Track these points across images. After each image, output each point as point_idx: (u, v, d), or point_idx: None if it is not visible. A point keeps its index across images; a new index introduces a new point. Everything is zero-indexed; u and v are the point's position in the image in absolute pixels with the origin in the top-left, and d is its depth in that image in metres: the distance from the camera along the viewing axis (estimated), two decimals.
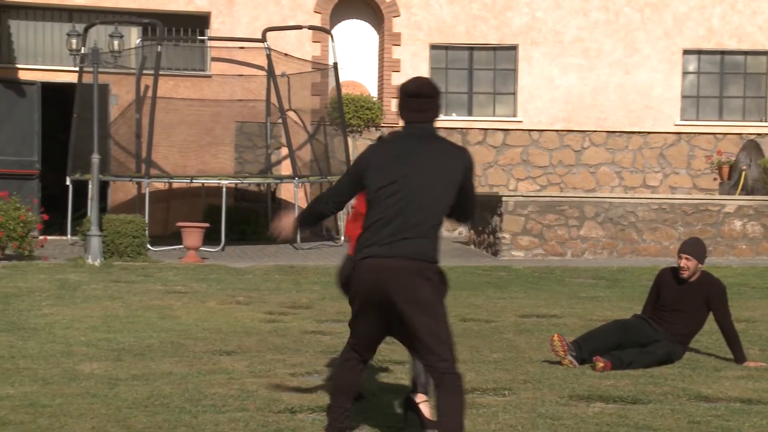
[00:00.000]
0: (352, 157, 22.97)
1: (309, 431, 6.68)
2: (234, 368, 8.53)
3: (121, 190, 22.21)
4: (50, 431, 6.57)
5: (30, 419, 6.88)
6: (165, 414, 6.99)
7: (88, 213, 17.45)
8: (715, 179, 24.35)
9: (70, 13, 22.63)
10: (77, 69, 21.06)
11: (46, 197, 21.50)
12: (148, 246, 17.82)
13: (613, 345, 9.03)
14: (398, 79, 23.79)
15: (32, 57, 22.65)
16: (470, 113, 24.35)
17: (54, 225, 20.62)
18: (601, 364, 8.70)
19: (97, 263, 16.17)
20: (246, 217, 21.74)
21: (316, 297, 13.27)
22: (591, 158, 24.52)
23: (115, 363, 8.82)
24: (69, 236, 20.23)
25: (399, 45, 23.85)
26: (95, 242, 16.47)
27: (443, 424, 5.58)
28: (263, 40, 21.83)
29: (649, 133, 24.53)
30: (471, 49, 24.22)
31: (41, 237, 17.71)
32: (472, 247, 20.48)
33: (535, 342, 10.09)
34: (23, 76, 22.26)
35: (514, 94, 24.34)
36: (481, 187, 22.78)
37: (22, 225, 16.50)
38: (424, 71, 23.78)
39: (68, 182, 20.47)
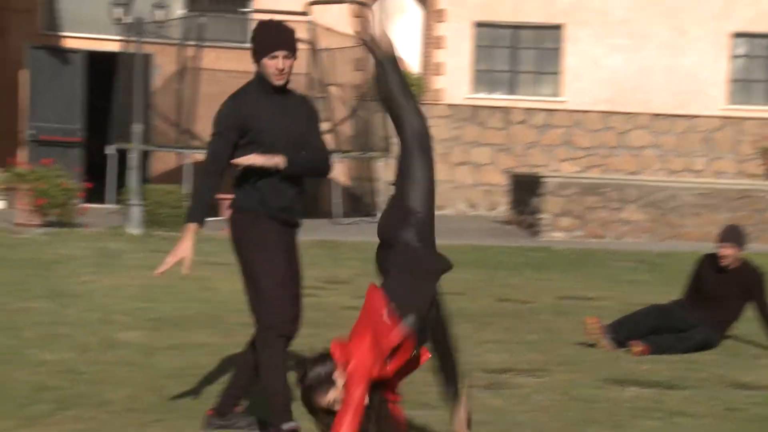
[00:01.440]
0: (392, 133, 22.98)
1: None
2: None
3: (163, 161, 22.29)
4: (87, 397, 6.67)
5: (68, 385, 7.01)
6: (200, 384, 7.07)
7: (130, 182, 17.55)
8: (762, 164, 24.16)
9: None
10: (121, 38, 21.14)
11: (90, 166, 21.64)
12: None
13: (650, 329, 9.02)
14: (441, 57, 23.79)
15: (78, 26, 22.76)
16: (513, 92, 24.25)
17: (97, 193, 20.79)
18: (639, 348, 8.70)
19: (137, 232, 16.29)
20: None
21: (354, 272, 13.29)
22: (635, 140, 24.36)
23: (153, 332, 8.94)
24: (110, 205, 20.36)
25: (443, 22, 23.78)
26: (136, 212, 16.60)
27: None
28: (306, 13, 21.82)
29: (694, 116, 24.30)
30: (515, 27, 24.10)
31: (83, 205, 17.81)
32: (511, 227, 20.43)
33: (572, 324, 10.06)
34: (69, 44, 22.40)
35: (558, 74, 24.21)
36: (522, 167, 22.74)
37: (64, 192, 16.63)
38: (467, 49, 23.76)
39: (108, 151, 20.59)
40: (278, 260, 5.77)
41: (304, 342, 8.72)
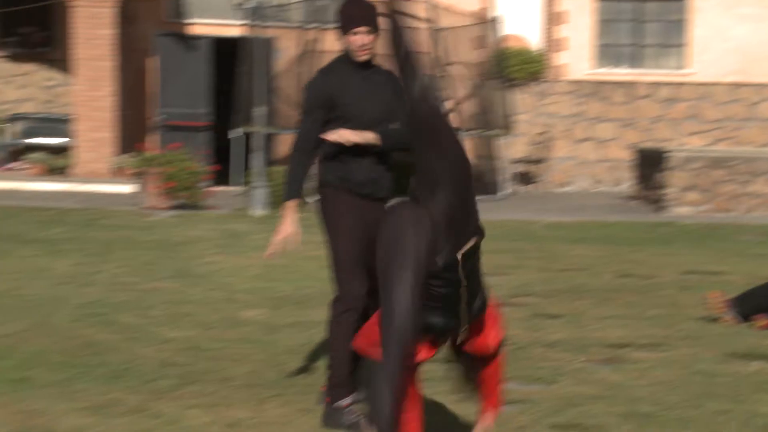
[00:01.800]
0: (514, 110, 22.91)
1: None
2: None
3: (286, 143, 22.49)
4: (209, 373, 6.83)
5: (191, 361, 7.18)
6: (318, 361, 7.17)
7: (254, 165, 17.79)
8: None
9: None
10: (244, 23, 21.41)
11: (216, 149, 21.99)
12: (306, 199, 18.05)
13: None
14: (564, 32, 23.60)
15: (202, 12, 23.13)
16: (637, 66, 23.94)
17: (223, 176, 21.17)
18: (763, 322, 8.54)
19: (261, 214, 16.53)
20: (406, 171, 21.81)
21: None
22: (765, 112, 23.85)
23: (274, 311, 9.07)
24: (235, 187, 20.67)
25: None
26: (259, 194, 16.85)
27: None
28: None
29: None
30: (639, 0, 23.78)
31: (209, 188, 18.12)
32: (636, 202, 20.21)
33: (696, 299, 9.88)
34: (193, 31, 22.77)
35: (683, 46, 23.80)
36: (647, 142, 22.48)
37: (191, 176, 16.95)
38: (588, 23, 23.52)
39: (233, 134, 20.90)
40: (355, 236, 5.82)
41: None
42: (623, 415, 6.05)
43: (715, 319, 8.79)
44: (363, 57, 5.83)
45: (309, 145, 5.85)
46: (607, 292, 10.34)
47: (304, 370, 6.98)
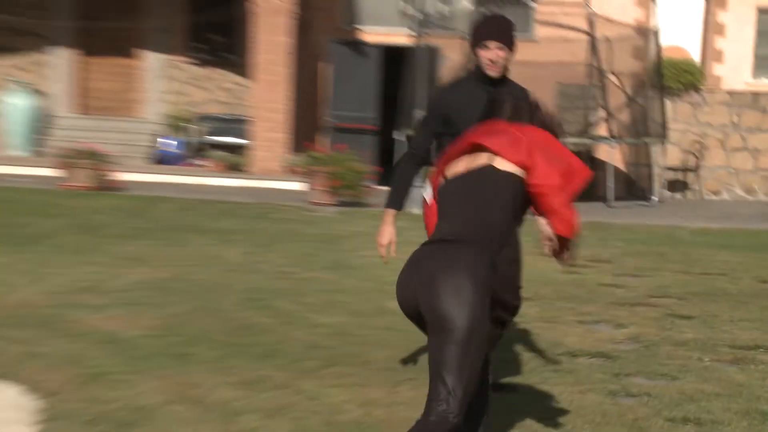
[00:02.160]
0: (670, 119, 22.62)
1: (583, 374, 6.84)
2: (525, 312, 8.73)
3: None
4: (352, 357, 7.01)
5: (338, 345, 7.36)
6: None
7: None
8: None
9: None
10: (410, 32, 21.65)
11: (381, 151, 22.24)
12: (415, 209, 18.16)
13: None
14: (723, 45, 23.20)
15: (371, 21, 23.43)
16: None
17: (387, 177, 21.34)
18: None
19: (417, 212, 16.63)
20: None
21: (618, 252, 13.20)
22: None
23: None
24: None
25: (725, 9, 23.16)
26: (417, 193, 16.95)
27: None
28: (587, 4, 21.77)
29: None
30: None
31: (372, 186, 18.35)
32: None
33: None
34: (364, 38, 23.10)
35: None
36: None
37: (355, 175, 17.20)
38: (750, 36, 23.06)
39: (396, 137, 21.12)
40: None
41: (556, 315, 8.87)
42: (741, 412, 6.04)
43: None
44: (491, 72, 5.44)
45: (418, 157, 5.60)
46: (743, 296, 10.20)
47: None
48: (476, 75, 5.52)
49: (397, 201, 5.63)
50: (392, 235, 5.59)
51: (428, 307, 4.21)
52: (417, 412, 5.69)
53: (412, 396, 6.08)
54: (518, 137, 4.50)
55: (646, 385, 6.62)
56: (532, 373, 6.80)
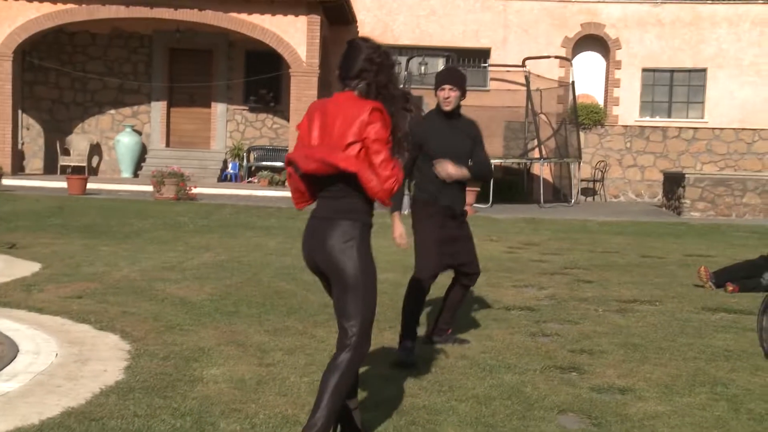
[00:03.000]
0: (583, 145, 22.60)
1: (513, 321, 6.83)
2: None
3: None
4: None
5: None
6: (425, 305, 7.27)
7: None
8: None
9: (400, 50, 23.26)
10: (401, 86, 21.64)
11: None
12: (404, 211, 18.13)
13: (743, 276, 8.64)
14: (618, 93, 23.18)
15: None
16: (669, 116, 23.36)
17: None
18: (731, 288, 8.36)
19: (405, 213, 16.59)
20: (509, 185, 21.78)
21: (545, 238, 13.21)
22: (759, 148, 23.03)
23: (403, 274, 8.90)
24: None
25: (619, 69, 23.15)
26: (405, 199, 16.91)
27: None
28: (524, 66, 21.75)
29: None
30: (672, 71, 23.19)
31: None
32: (663, 209, 19.74)
33: (690, 272, 9.73)
34: None
35: (702, 102, 23.16)
36: (674, 168, 21.92)
37: None
38: (637, 87, 23.05)
39: None
40: (434, 234, 5.54)
41: (497, 282, 8.76)
42: (620, 344, 6.02)
43: (701, 286, 8.62)
44: (446, 107, 5.48)
45: (406, 174, 5.46)
46: (630, 266, 10.21)
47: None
48: (437, 111, 5.56)
49: (398, 205, 5.51)
50: (401, 229, 5.44)
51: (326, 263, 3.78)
52: (392, 350, 5.75)
53: (391, 337, 6.06)
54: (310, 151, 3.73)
55: (556, 328, 6.61)
56: (479, 322, 6.80)
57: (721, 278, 8.59)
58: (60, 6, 20.13)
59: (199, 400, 4.46)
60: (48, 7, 20.13)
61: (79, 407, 4.27)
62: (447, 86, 5.46)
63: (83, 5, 20.11)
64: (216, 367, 5.12)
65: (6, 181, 18.72)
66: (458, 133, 5.56)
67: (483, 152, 5.71)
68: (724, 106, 22.96)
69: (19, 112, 21.66)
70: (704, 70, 23.03)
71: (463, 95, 5.50)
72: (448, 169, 5.42)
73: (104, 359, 5.22)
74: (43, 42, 22.25)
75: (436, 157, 5.44)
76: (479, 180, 5.77)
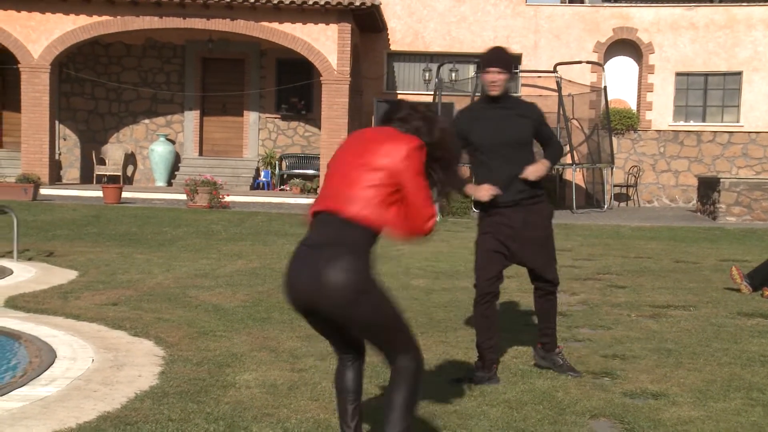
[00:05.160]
0: (615, 150, 22.45)
1: None
2: (507, 286, 8.65)
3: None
4: None
5: None
6: (456, 311, 7.29)
7: None
8: None
9: (430, 56, 23.29)
10: (431, 93, 21.69)
11: None
12: (473, 209, 18.17)
13: None
14: (651, 98, 23.01)
15: (405, 86, 23.50)
16: (704, 120, 23.13)
17: None
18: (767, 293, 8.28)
19: (437, 219, 16.62)
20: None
21: (577, 244, 13.10)
22: None
23: (433, 280, 9.15)
24: None
25: (652, 73, 22.96)
26: (436, 206, 16.93)
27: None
28: (556, 71, 21.67)
29: None
30: (706, 75, 22.96)
31: None
32: (698, 214, 19.53)
33: (726, 277, 9.62)
34: (400, 98, 23.12)
35: (737, 106, 22.90)
36: (709, 173, 21.68)
37: None
38: (670, 92, 22.86)
39: None
40: (487, 244, 5.07)
41: (529, 287, 8.66)
42: (653, 350, 5.99)
43: (736, 290, 8.53)
44: (493, 92, 4.96)
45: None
46: (663, 272, 10.13)
47: (444, 317, 7.10)
48: (483, 97, 5.10)
49: (466, 181, 4.88)
50: (474, 188, 4.97)
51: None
52: (427, 356, 5.68)
53: (423, 344, 5.89)
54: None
55: (589, 333, 6.58)
56: (511, 327, 6.78)
57: (756, 279, 8.47)
58: (95, 18, 20.42)
59: (231, 404, 4.50)
60: (84, 20, 20.43)
61: (114, 412, 4.33)
62: (493, 69, 4.92)
63: (118, 17, 20.38)
64: (248, 372, 5.16)
65: (44, 191, 18.99)
66: (510, 118, 4.98)
67: (550, 131, 5.20)
68: (760, 109, 22.69)
69: (56, 123, 21.99)
70: (739, 74, 22.78)
71: (511, 77, 5.01)
72: (481, 193, 4.94)
73: (139, 365, 5.29)
74: (79, 54, 22.57)
75: (483, 148, 5.01)
76: (556, 161, 5.26)
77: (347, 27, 20.20)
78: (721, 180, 18.02)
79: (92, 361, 5.32)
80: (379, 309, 3.22)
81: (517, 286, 8.57)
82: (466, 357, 5.72)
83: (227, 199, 17.74)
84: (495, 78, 4.92)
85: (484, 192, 4.97)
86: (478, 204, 5.12)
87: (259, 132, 23.31)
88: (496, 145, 4.98)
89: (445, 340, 6.21)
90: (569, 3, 23.82)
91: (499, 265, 5.10)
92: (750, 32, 22.67)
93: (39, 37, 20.45)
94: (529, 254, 5.13)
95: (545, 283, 5.26)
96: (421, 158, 3.29)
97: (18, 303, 7.17)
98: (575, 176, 20.69)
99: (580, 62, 22.29)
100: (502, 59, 4.96)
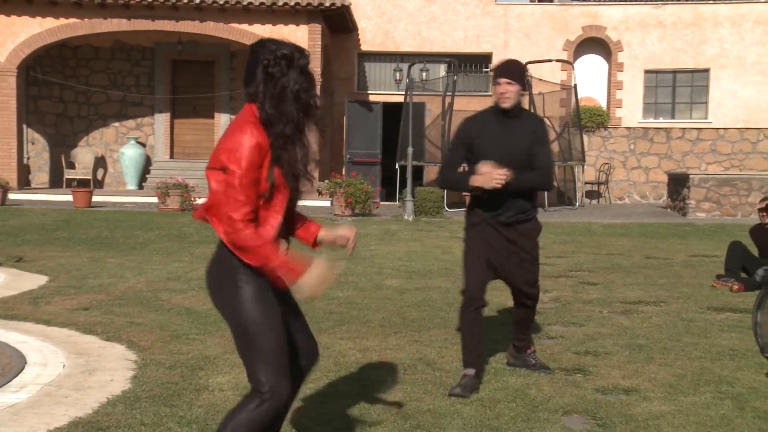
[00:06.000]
0: (586, 148, 22.61)
1: None
2: None
3: (432, 172, 22.72)
4: (357, 319, 6.99)
5: (347, 310, 7.34)
6: (429, 311, 7.31)
7: (407, 186, 18.01)
8: None
9: (401, 56, 23.31)
10: (402, 93, 21.71)
11: (385, 177, 22.30)
12: (445, 208, 18.22)
13: (740, 269, 8.60)
14: (621, 95, 23.19)
15: (376, 86, 23.52)
16: (673, 117, 23.36)
17: (391, 195, 21.48)
18: (736, 287, 8.35)
19: (410, 219, 16.70)
20: None
21: (549, 242, 13.12)
22: (764, 147, 22.97)
23: (407, 280, 9.17)
24: (396, 202, 20.93)
25: (622, 71, 23.16)
26: (409, 205, 17.00)
27: None
28: (526, 70, 21.79)
29: None
30: (674, 72, 23.18)
31: (377, 201, 18.36)
32: (668, 210, 19.71)
33: (696, 273, 9.75)
34: (371, 99, 23.19)
35: (706, 103, 23.15)
36: (679, 169, 21.89)
37: (364, 194, 17.22)
38: (639, 89, 23.05)
39: (397, 166, 21.18)
40: (477, 252, 4.93)
41: (502, 284, 8.73)
42: (625, 346, 6.05)
43: (707, 285, 8.60)
44: (504, 104, 4.77)
45: (452, 168, 4.96)
46: (634, 268, 10.22)
47: (418, 316, 7.11)
48: (494, 109, 4.88)
49: (464, 181, 4.83)
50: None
51: None
52: (401, 355, 5.77)
53: (397, 343, 6.09)
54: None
55: (561, 330, 6.63)
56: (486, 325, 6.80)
57: (734, 272, 8.53)
58: (62, 20, 20.23)
59: (205, 408, 4.49)
60: (50, 22, 20.23)
61: (86, 417, 4.30)
62: (503, 80, 4.75)
63: (85, 19, 20.21)
64: (221, 375, 5.14)
65: (12, 196, 18.79)
66: (515, 133, 4.81)
67: (542, 156, 4.85)
68: (728, 106, 22.95)
69: (24, 126, 21.75)
70: (707, 71, 23.03)
71: (523, 89, 4.79)
72: (483, 174, 4.70)
73: (111, 369, 5.26)
74: (46, 56, 22.35)
75: (485, 160, 4.79)
76: (534, 190, 4.97)
77: (317, 28, 20.17)
78: (691, 176, 18.21)
79: (63, 367, 5.28)
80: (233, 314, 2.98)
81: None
82: (439, 356, 5.74)
83: (199, 201, 17.66)
84: (505, 89, 4.76)
85: (495, 176, 4.61)
86: (474, 203, 4.94)
87: None
88: (501, 161, 4.70)
89: (418, 339, 6.23)
90: (538, 2, 23.96)
91: (490, 273, 4.98)
92: (717, 30, 22.93)
93: (5, 41, 20.23)
94: (516, 272, 5.03)
95: (528, 299, 5.21)
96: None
97: None
98: None
99: (550, 60, 22.40)
100: (514, 71, 4.79)
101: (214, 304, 3.09)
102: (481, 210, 4.92)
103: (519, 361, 5.38)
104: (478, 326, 4.92)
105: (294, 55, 2.97)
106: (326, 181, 18.15)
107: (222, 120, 23.15)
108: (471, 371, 4.89)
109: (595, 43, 23.29)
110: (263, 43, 3.00)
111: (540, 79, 21.98)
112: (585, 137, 22.62)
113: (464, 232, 5.07)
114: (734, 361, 5.59)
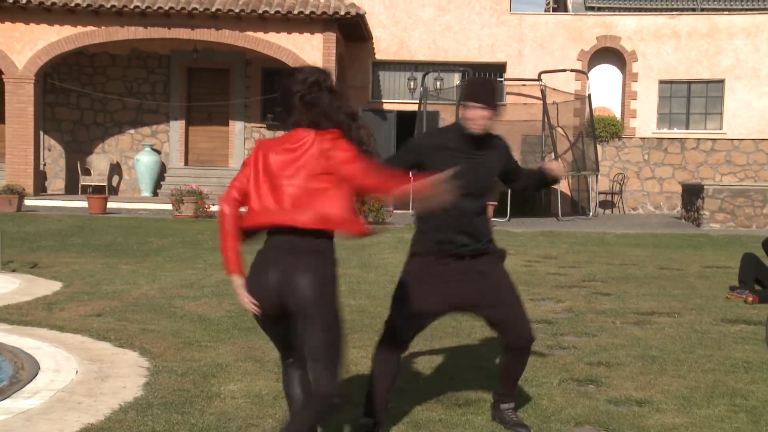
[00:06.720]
0: (600, 158, 22.54)
1: None
2: None
3: None
4: (368, 327, 6.95)
5: (359, 318, 7.30)
6: (440, 320, 7.24)
7: None
8: None
9: (415, 65, 23.33)
10: (417, 102, 21.73)
11: None
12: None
13: (754, 280, 8.53)
14: (635, 105, 23.12)
15: (390, 95, 23.55)
16: (687, 127, 23.27)
17: (404, 204, 21.35)
18: (750, 299, 8.29)
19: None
20: (526, 199, 21.69)
21: (563, 251, 13.14)
22: None
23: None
24: (410, 210, 20.86)
25: (636, 81, 23.09)
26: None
27: None
28: (540, 80, 21.75)
29: None
30: (689, 83, 23.10)
31: (391, 210, 18.30)
32: (683, 221, 19.61)
33: (710, 284, 9.69)
34: (385, 107, 23.21)
35: (720, 114, 23.06)
36: (693, 180, 21.79)
37: (378, 202, 17.10)
38: (654, 99, 22.98)
39: (410, 175, 21.09)
40: (419, 291, 4.48)
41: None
42: (638, 357, 6.01)
43: (721, 297, 8.54)
44: (472, 129, 4.19)
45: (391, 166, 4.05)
46: (647, 278, 10.16)
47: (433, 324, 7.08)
48: (458, 128, 4.30)
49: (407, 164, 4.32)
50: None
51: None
52: (412, 364, 5.74)
53: (408, 352, 5.94)
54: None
55: (574, 341, 6.59)
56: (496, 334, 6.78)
57: (747, 283, 8.48)
58: (80, 28, 20.36)
59: (216, 415, 4.48)
60: (68, 30, 20.36)
61: (98, 423, 4.31)
62: (475, 104, 4.17)
63: (102, 27, 20.33)
64: (234, 382, 5.14)
65: (28, 202, 18.89)
66: (481, 163, 4.28)
67: (517, 164, 4.57)
68: (743, 116, 22.84)
69: (41, 133, 21.89)
70: (722, 81, 22.94)
71: (495, 113, 4.20)
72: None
73: (123, 376, 5.26)
74: (63, 64, 22.49)
75: None
76: (539, 188, 4.69)
77: (332, 36, 20.21)
78: (705, 187, 18.11)
79: (76, 373, 5.29)
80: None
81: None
82: (451, 365, 5.72)
83: (213, 208, 17.70)
84: (473, 115, 4.17)
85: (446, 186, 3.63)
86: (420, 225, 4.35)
87: (244, 141, 23.28)
88: (464, 189, 3.99)
89: (430, 348, 6.22)
90: (553, 12, 23.94)
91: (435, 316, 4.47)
92: (731, 41, 22.84)
93: (23, 48, 20.37)
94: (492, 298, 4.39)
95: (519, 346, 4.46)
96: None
97: (2, 315, 7.12)
98: (560, 184, 20.74)
99: (564, 70, 22.39)
100: (486, 95, 4.19)
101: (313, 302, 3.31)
102: (426, 237, 4.31)
103: (497, 415, 4.50)
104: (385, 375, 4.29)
105: (320, 78, 3.43)
106: None
107: (236, 127, 23.22)
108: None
109: (609, 53, 23.25)
110: (292, 74, 3.45)
111: (554, 89, 21.97)
112: (599, 147, 22.56)
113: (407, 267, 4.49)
114: (749, 374, 5.54)
